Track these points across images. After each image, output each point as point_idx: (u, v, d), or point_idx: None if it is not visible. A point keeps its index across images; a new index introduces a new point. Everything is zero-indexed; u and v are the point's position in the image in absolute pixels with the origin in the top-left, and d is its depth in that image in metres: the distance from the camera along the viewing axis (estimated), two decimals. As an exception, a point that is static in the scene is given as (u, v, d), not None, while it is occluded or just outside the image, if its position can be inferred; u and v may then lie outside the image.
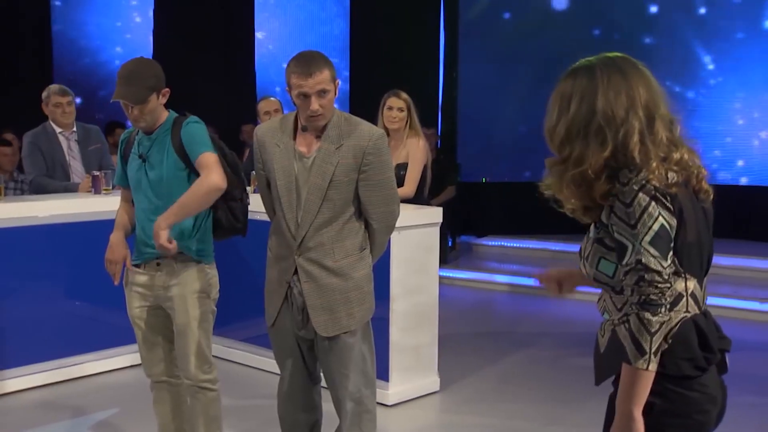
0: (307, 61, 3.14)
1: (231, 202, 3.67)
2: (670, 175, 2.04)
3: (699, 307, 2.10)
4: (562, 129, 2.12)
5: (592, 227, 2.17)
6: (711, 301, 2.22)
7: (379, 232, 3.35)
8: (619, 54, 2.16)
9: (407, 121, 5.25)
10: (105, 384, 5.29)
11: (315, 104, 3.13)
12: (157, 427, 3.82)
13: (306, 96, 3.13)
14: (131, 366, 5.45)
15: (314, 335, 3.30)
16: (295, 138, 3.27)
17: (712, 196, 2.15)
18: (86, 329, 5.39)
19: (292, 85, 3.16)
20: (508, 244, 9.90)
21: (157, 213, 3.51)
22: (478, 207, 10.31)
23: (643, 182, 2.01)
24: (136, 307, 3.67)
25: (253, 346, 5.59)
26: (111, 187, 5.45)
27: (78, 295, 5.34)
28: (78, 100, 6.19)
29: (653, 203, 2.00)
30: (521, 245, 9.80)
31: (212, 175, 3.41)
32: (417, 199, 5.23)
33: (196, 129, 3.53)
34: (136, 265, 3.63)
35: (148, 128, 3.56)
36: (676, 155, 2.07)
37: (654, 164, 2.03)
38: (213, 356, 3.72)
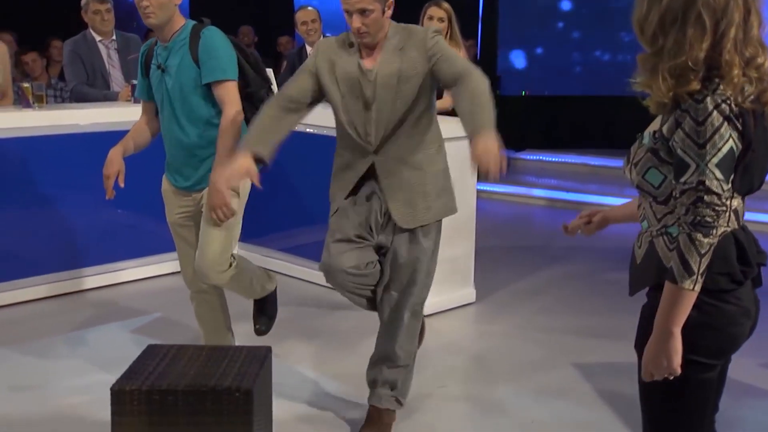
0: None
1: (258, 103, 3.65)
2: (747, 88, 1.96)
3: (739, 223, 2.08)
4: (655, 18, 2.00)
5: (648, 135, 2.10)
6: (755, 217, 2.18)
7: (474, 81, 3.15)
8: None
9: (448, 32, 5.18)
10: (147, 289, 5.42)
11: (356, 22, 3.18)
12: (201, 333, 3.93)
13: (348, 13, 3.18)
14: (173, 273, 5.57)
15: (390, 242, 3.36)
16: (360, 52, 3.31)
17: None
18: (128, 236, 5.50)
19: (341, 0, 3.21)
20: (547, 159, 9.82)
21: (180, 125, 3.53)
22: (517, 121, 10.21)
23: (719, 101, 1.93)
24: (175, 214, 3.72)
25: (292, 255, 5.67)
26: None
27: (119, 202, 5.42)
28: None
29: (726, 124, 1.93)
30: (560, 160, 9.72)
31: (230, 114, 3.44)
32: (454, 113, 5.19)
33: (215, 43, 3.48)
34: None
35: (159, 27, 3.50)
36: (760, 59, 1.98)
37: (735, 72, 1.94)
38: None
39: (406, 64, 3.24)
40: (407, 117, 3.29)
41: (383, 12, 3.21)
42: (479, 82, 3.15)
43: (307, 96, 3.32)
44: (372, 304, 3.54)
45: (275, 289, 3.95)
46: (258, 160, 3.15)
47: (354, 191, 3.39)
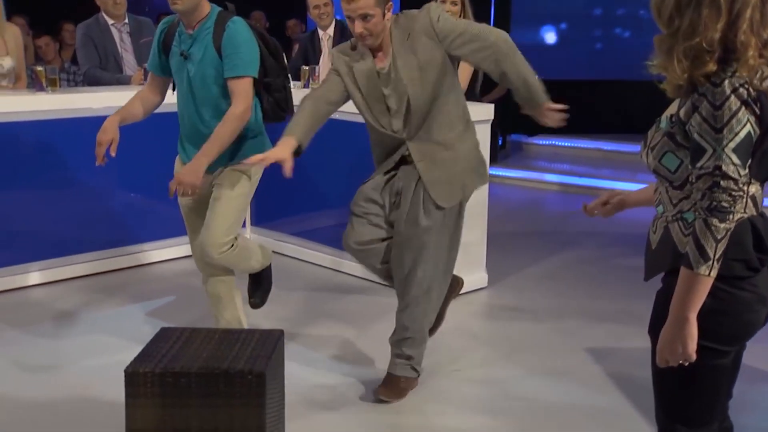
0: None
1: (276, 93, 3.69)
2: (764, 70, 1.94)
3: (757, 209, 2.06)
4: (672, 0, 2.00)
5: (665, 118, 2.09)
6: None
7: (503, 55, 3.33)
8: None
9: (461, 15, 5.14)
10: (160, 273, 5.44)
11: (359, 27, 3.30)
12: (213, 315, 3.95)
13: (350, 18, 3.30)
14: (186, 256, 5.59)
15: (402, 222, 3.46)
16: (371, 52, 3.42)
17: None
18: (142, 219, 5.52)
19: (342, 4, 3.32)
20: (560, 144, 9.78)
21: (199, 113, 3.54)
22: (530, 105, 10.15)
23: (737, 85, 1.91)
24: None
25: (304, 240, 5.68)
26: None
27: (133, 185, 5.44)
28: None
29: (743, 109, 1.90)
30: (572, 144, 9.68)
31: (239, 108, 3.45)
32: (469, 95, 5.15)
33: (240, 37, 3.49)
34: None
35: (185, 13, 3.50)
36: None
37: (750, 53, 1.91)
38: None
39: (422, 54, 3.34)
40: (435, 102, 3.40)
41: (383, 15, 3.32)
42: (505, 49, 3.33)
43: (339, 93, 3.47)
44: (389, 279, 3.67)
45: (270, 264, 4.01)
46: (296, 151, 3.31)
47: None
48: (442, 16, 3.37)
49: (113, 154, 3.59)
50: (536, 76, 3.40)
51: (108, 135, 3.57)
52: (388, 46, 3.39)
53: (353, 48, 3.46)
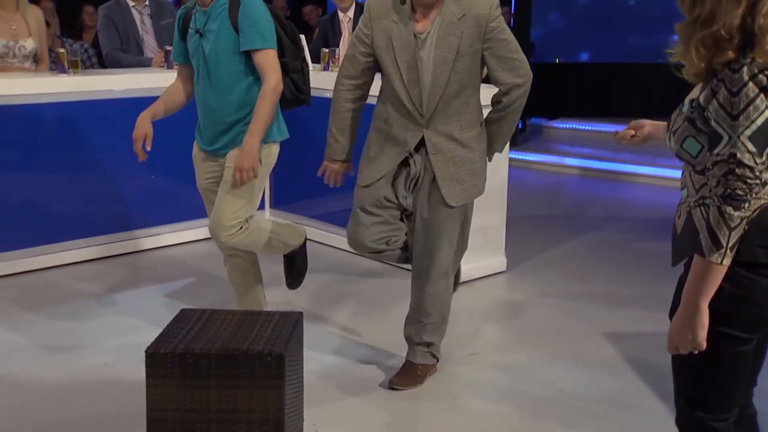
0: None
1: (293, 74, 3.69)
2: None
3: None
4: None
5: (687, 103, 2.07)
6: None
7: (511, 112, 3.41)
8: None
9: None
10: (180, 255, 5.47)
11: None
12: (234, 297, 3.98)
13: None
14: (206, 239, 5.61)
15: (426, 206, 3.42)
16: (413, 11, 3.32)
17: None
18: (162, 201, 5.55)
19: None
20: (580, 127, 9.74)
21: (214, 90, 3.55)
22: (551, 89, 10.11)
23: (756, 71, 1.89)
24: (204, 179, 3.76)
25: (322, 222, 5.69)
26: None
27: (154, 168, 5.46)
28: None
29: (762, 95, 1.89)
30: (593, 128, 9.63)
31: (272, 81, 3.48)
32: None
33: (255, 11, 3.50)
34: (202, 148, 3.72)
35: None
36: None
37: (767, 38, 1.90)
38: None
39: (465, 41, 3.26)
40: (460, 93, 3.33)
41: None
42: (517, 108, 3.40)
43: (367, 73, 3.45)
44: (403, 261, 3.66)
45: (304, 243, 3.99)
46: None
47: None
48: (500, 19, 3.30)
49: (149, 148, 3.64)
50: (512, 132, 3.56)
51: (141, 130, 3.62)
52: (437, 9, 3.28)
53: (402, 2, 3.31)
